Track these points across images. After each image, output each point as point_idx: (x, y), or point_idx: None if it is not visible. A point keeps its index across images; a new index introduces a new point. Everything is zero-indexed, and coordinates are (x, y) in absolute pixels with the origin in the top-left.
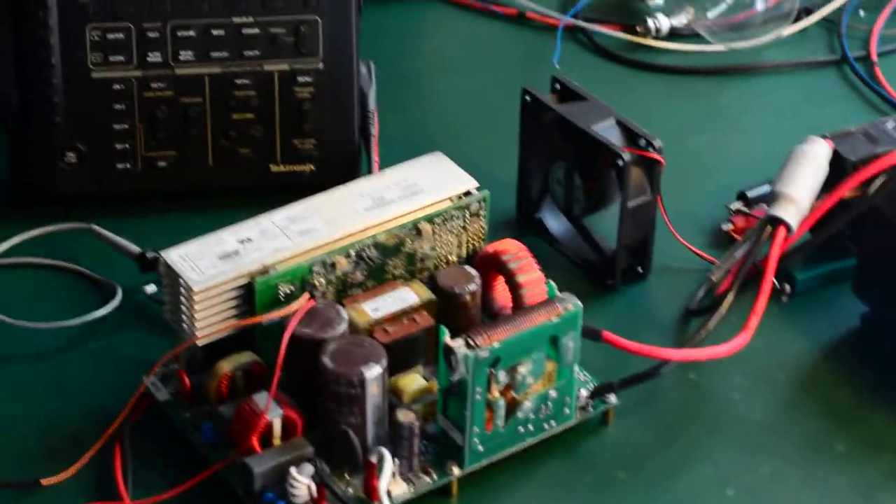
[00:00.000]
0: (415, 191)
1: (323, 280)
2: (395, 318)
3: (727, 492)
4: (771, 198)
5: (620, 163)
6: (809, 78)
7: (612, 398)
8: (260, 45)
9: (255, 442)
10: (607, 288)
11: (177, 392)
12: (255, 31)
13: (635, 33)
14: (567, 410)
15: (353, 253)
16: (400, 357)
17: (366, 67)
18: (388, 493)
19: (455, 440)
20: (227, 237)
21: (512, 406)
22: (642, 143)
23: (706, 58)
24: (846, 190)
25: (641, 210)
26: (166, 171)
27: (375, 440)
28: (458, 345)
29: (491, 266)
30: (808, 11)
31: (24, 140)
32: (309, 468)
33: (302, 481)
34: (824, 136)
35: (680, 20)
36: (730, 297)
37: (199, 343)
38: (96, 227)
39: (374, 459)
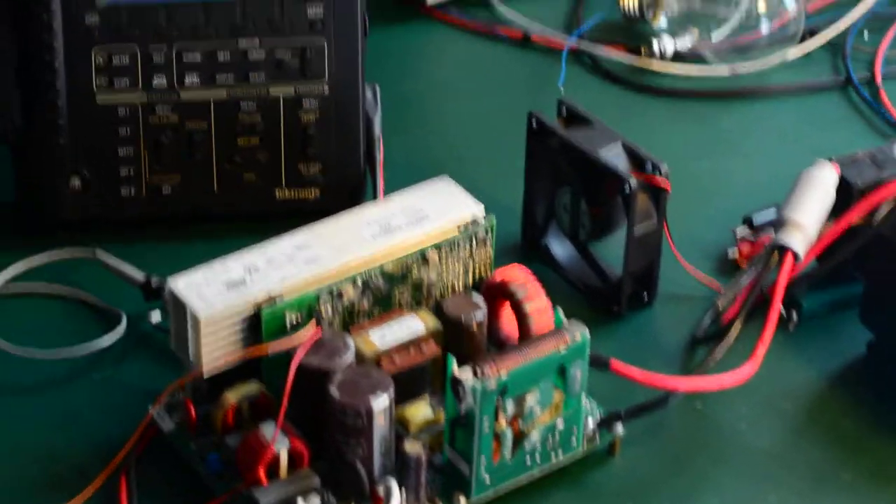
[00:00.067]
0: (421, 217)
1: (329, 309)
2: (402, 347)
3: None
4: (778, 224)
5: (627, 189)
6: (814, 101)
7: (620, 428)
8: (265, 69)
9: (261, 473)
10: (612, 315)
11: (182, 422)
12: (261, 54)
13: (640, 56)
14: (574, 440)
15: (359, 281)
16: (406, 386)
17: (371, 91)
18: None
19: (462, 471)
20: (233, 265)
21: (519, 437)
22: (649, 168)
23: (710, 81)
24: (853, 218)
25: (648, 236)
26: (171, 197)
27: (382, 471)
28: (465, 375)
29: (498, 294)
30: (812, 33)
31: (27, 165)
32: (316, 500)
33: None
34: (830, 160)
35: (684, 43)
36: (737, 326)
37: (205, 374)
38: (100, 254)
39: (381, 491)
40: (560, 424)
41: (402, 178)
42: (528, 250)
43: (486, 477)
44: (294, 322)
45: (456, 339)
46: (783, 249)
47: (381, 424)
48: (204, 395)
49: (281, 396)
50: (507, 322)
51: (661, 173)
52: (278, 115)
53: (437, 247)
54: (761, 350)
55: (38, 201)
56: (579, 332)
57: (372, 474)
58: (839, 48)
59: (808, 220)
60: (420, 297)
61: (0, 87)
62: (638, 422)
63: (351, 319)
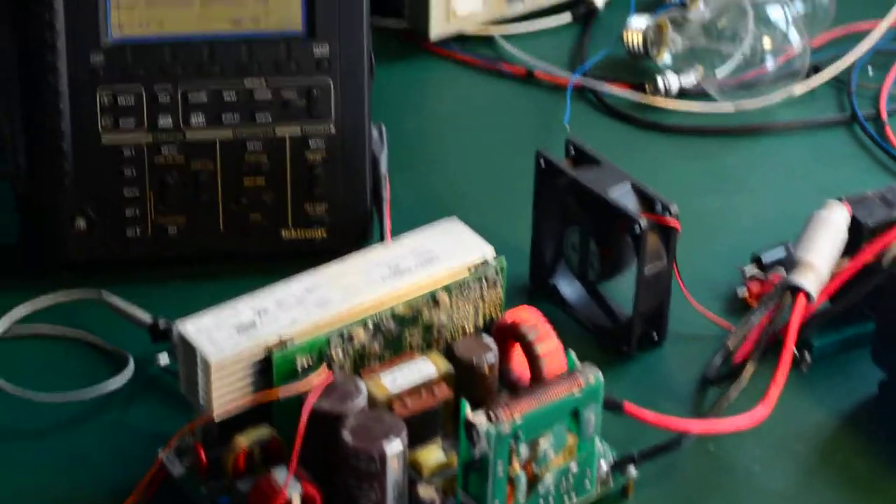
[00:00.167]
0: (431, 258)
1: (340, 352)
2: (414, 390)
3: None
4: (790, 265)
5: (637, 229)
6: (819, 137)
7: (633, 470)
8: (272, 108)
9: None
10: (622, 355)
11: (193, 466)
12: (267, 94)
13: (644, 93)
14: (587, 483)
15: (370, 324)
16: (418, 430)
17: (377, 130)
18: None
19: None
20: (243, 308)
21: (533, 480)
22: (658, 208)
23: (715, 118)
24: (865, 259)
25: (658, 276)
26: (176, 238)
27: None
28: (479, 420)
29: (508, 336)
30: (816, 70)
31: (32, 206)
32: None
33: None
34: (840, 200)
35: (689, 79)
36: (750, 368)
37: (216, 418)
38: (106, 295)
39: None
40: (574, 467)
41: (408, 217)
42: (536, 290)
43: None
44: (305, 365)
45: (467, 381)
46: (796, 290)
47: (394, 469)
48: (214, 439)
49: (292, 440)
50: (518, 363)
51: (671, 213)
52: (284, 155)
53: (448, 289)
54: (774, 392)
55: (42, 242)
56: (593, 375)
57: None
58: (844, 84)
59: (820, 260)
60: (430, 339)
61: (4, 128)
62: (651, 464)
63: (361, 362)
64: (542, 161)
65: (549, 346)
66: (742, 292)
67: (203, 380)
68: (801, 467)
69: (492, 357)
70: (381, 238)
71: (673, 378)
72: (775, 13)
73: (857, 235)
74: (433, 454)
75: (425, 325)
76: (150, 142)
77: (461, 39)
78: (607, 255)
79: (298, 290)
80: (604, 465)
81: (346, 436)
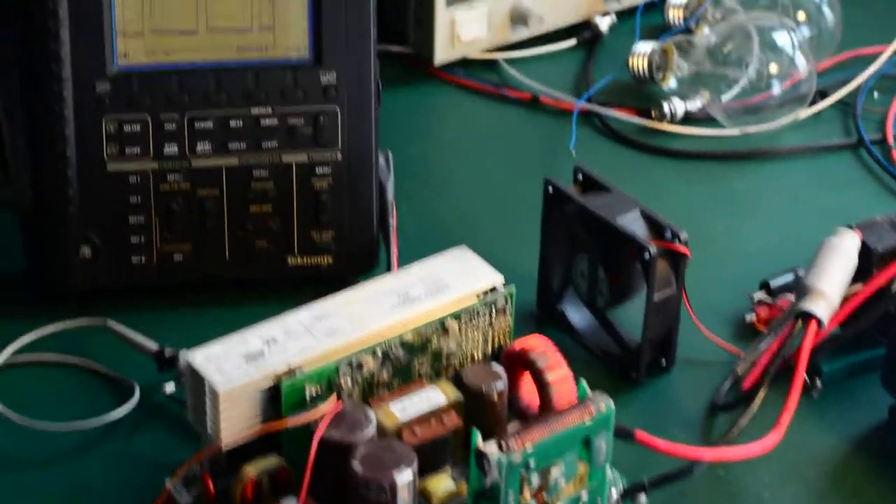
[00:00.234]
0: (440, 287)
1: (349, 380)
2: (423, 419)
3: None
4: (801, 291)
5: (647, 256)
6: (825, 162)
7: (643, 499)
8: (278, 136)
9: None
10: (631, 381)
11: (200, 496)
12: (274, 122)
13: (650, 118)
14: None
15: (379, 352)
16: (428, 459)
17: (383, 157)
18: None
19: None
20: (251, 337)
21: None
22: (668, 235)
23: (721, 142)
24: (876, 285)
25: (667, 303)
26: (182, 265)
27: None
28: (490, 449)
29: (518, 363)
30: (822, 94)
31: (37, 234)
32: None
33: None
34: (850, 227)
35: (695, 104)
36: (761, 394)
37: (224, 447)
38: (111, 323)
39: None
40: (584, 496)
41: (414, 245)
42: (544, 316)
43: None
44: (314, 394)
45: (476, 409)
46: (807, 317)
47: (404, 499)
48: (223, 468)
49: (301, 469)
50: (527, 391)
51: (680, 240)
52: (291, 183)
53: (457, 316)
54: (786, 418)
55: (47, 270)
56: (604, 404)
57: None
58: (850, 108)
59: (831, 287)
60: (439, 367)
61: (10, 155)
62: (660, 491)
63: (370, 391)
64: (550, 188)
65: (559, 373)
66: (750, 318)
67: (211, 409)
68: (812, 493)
69: (501, 385)
70: (388, 265)
71: (682, 404)
72: (781, 38)
73: (868, 261)
74: (443, 483)
75: (434, 353)
76: (155, 169)
77: (465, 64)
78: (616, 282)
79: (307, 319)
80: (614, 494)
81: (356, 465)
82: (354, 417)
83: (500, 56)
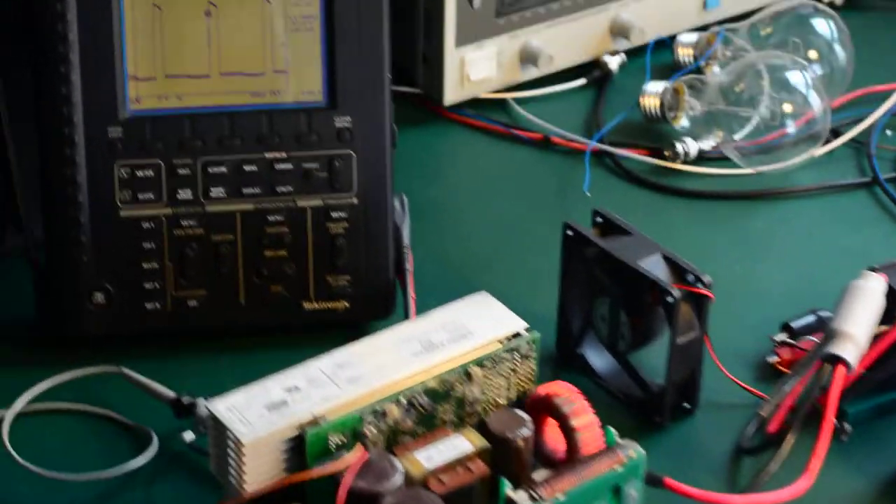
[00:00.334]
0: (463, 333)
1: (374, 429)
2: (450, 467)
3: None
4: (828, 335)
5: (670, 300)
6: (840, 201)
7: None
8: (293, 180)
9: None
10: (654, 425)
11: None
12: (288, 166)
13: (663, 157)
14: None
15: (403, 400)
16: None
17: (398, 201)
18: None
19: None
20: (274, 385)
21: None
22: (690, 278)
23: (735, 182)
24: None
25: (690, 346)
26: (196, 311)
27: None
28: (521, 498)
29: (542, 409)
30: (835, 133)
31: (50, 280)
32: None
33: None
34: (873, 269)
35: (707, 143)
36: (790, 439)
37: (248, 498)
38: (127, 371)
39: None
40: None
41: (429, 287)
42: (563, 360)
43: None
44: (338, 443)
45: (502, 456)
46: (835, 360)
47: None
48: None
49: None
50: (552, 437)
51: (703, 284)
52: (306, 227)
53: (481, 363)
54: (816, 463)
55: (60, 316)
56: (634, 451)
57: None
58: (863, 146)
59: (858, 330)
60: (463, 414)
61: (21, 202)
62: None
63: (394, 439)
64: (569, 231)
65: (585, 419)
66: (773, 359)
67: (235, 459)
68: None
69: (526, 431)
70: (405, 310)
71: (706, 448)
72: (794, 77)
73: (893, 303)
74: None
75: (458, 400)
76: (169, 214)
77: (474, 104)
78: (638, 326)
79: (329, 367)
80: None
81: None
82: (381, 466)
83: (509, 96)
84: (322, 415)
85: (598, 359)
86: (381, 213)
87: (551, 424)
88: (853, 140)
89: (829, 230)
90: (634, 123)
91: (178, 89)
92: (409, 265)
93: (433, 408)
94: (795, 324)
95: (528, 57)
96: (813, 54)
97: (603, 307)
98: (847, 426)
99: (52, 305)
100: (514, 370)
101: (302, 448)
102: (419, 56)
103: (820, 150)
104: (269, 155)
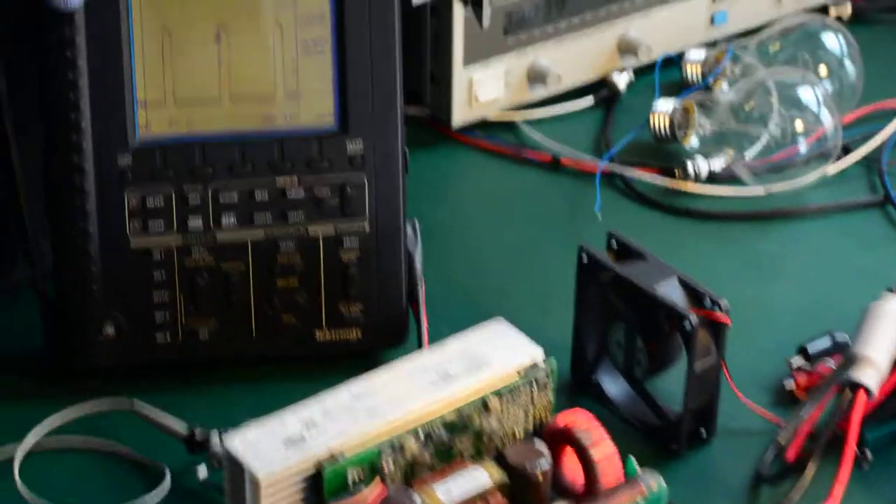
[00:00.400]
0: (479, 363)
1: (392, 463)
2: (469, 501)
3: None
4: (848, 360)
5: (688, 326)
6: (852, 220)
7: None
8: (304, 207)
9: None
10: (671, 453)
11: None
12: (300, 192)
13: (674, 177)
14: None
15: (421, 433)
16: None
17: (411, 227)
18: None
19: None
20: (290, 419)
21: None
22: (708, 303)
23: (746, 202)
24: None
25: (707, 372)
26: (207, 342)
27: None
28: None
29: (561, 440)
30: (846, 150)
31: (59, 312)
32: None
33: None
34: (892, 290)
35: (718, 163)
36: (812, 467)
37: None
38: (139, 405)
39: None
40: None
41: (439, 312)
42: (578, 387)
43: None
44: (356, 479)
45: (520, 488)
46: (856, 386)
47: None
48: None
49: None
50: (570, 468)
51: (721, 309)
52: (318, 255)
53: (498, 393)
54: (838, 490)
55: (69, 348)
56: (656, 482)
57: None
58: (874, 164)
59: (879, 355)
60: (481, 446)
61: (29, 232)
62: None
63: (412, 473)
64: (584, 256)
65: (605, 450)
66: (789, 384)
67: (251, 496)
68: None
69: (545, 463)
70: (419, 337)
71: (724, 475)
72: (806, 94)
73: None
74: None
75: (476, 432)
76: (179, 244)
77: (482, 125)
78: (655, 352)
79: (345, 400)
80: None
81: None
82: (399, 501)
83: (517, 116)
84: (340, 450)
85: (614, 385)
86: (393, 240)
87: (569, 453)
88: (864, 158)
89: (841, 250)
90: (643, 143)
91: (187, 115)
92: (422, 292)
93: (451, 440)
94: (811, 347)
95: (536, 76)
96: (823, 70)
97: (618, 333)
98: (868, 453)
99: (61, 337)
100: (531, 400)
101: (320, 484)
102: (426, 76)
103: (832, 168)
104: (280, 181)
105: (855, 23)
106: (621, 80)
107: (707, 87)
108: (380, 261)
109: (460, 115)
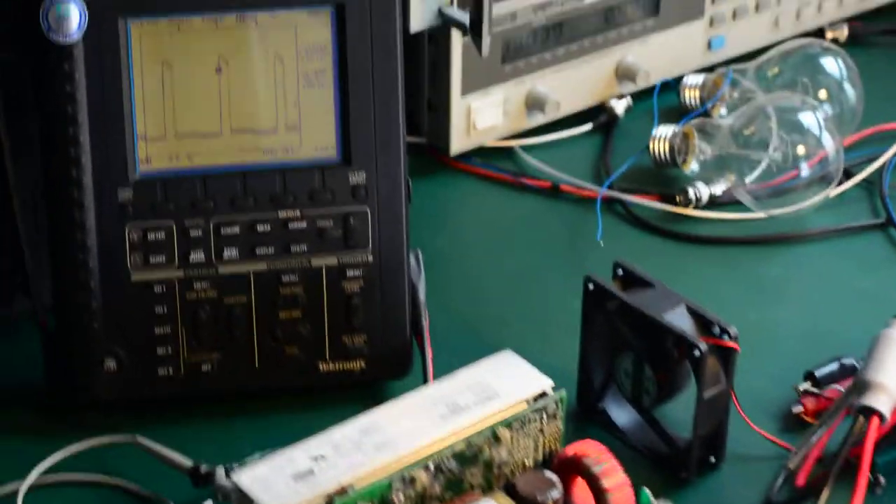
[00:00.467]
0: (489, 394)
1: (402, 496)
2: None
3: None
4: (860, 386)
5: (697, 354)
6: (854, 243)
7: None
8: (307, 239)
9: None
10: (680, 480)
11: None
12: (302, 225)
13: (674, 203)
14: None
15: (431, 466)
16: None
17: (414, 257)
18: None
19: None
20: (299, 454)
21: None
22: (716, 331)
23: (747, 226)
24: None
25: (716, 400)
26: (210, 375)
27: None
28: None
29: (571, 469)
30: (847, 174)
31: (60, 346)
32: None
33: None
34: None
35: (719, 187)
36: (826, 494)
37: None
38: (142, 440)
39: None
40: None
41: (441, 340)
42: (584, 415)
43: None
44: None
45: None
46: (869, 412)
47: None
48: None
49: None
50: (581, 498)
51: (729, 336)
52: (321, 286)
53: (508, 424)
54: None
55: (70, 383)
56: None
57: None
58: (874, 187)
59: (891, 381)
60: (491, 477)
61: (30, 266)
62: None
63: None
64: (591, 284)
65: (616, 479)
66: (798, 410)
67: None
68: None
69: (556, 493)
70: (423, 368)
71: (735, 502)
72: (807, 119)
73: None
74: None
75: (486, 463)
76: (181, 277)
77: (480, 152)
78: (663, 380)
79: (354, 434)
80: None
81: None
82: None
83: (515, 143)
84: (350, 484)
85: (621, 414)
86: (397, 271)
87: (580, 483)
88: (864, 180)
89: (844, 274)
90: (643, 168)
91: (188, 148)
92: (426, 323)
93: (461, 472)
94: (819, 372)
95: (534, 103)
96: (822, 94)
97: (626, 361)
98: (881, 479)
99: (62, 371)
100: (541, 430)
101: None
102: (424, 104)
103: (833, 192)
104: (282, 214)
105: (851, 45)
106: (620, 106)
107: (706, 112)
108: (383, 292)
109: (458, 142)
